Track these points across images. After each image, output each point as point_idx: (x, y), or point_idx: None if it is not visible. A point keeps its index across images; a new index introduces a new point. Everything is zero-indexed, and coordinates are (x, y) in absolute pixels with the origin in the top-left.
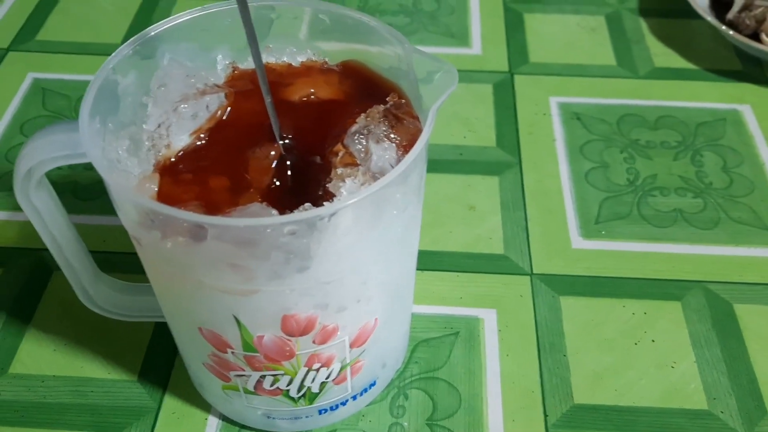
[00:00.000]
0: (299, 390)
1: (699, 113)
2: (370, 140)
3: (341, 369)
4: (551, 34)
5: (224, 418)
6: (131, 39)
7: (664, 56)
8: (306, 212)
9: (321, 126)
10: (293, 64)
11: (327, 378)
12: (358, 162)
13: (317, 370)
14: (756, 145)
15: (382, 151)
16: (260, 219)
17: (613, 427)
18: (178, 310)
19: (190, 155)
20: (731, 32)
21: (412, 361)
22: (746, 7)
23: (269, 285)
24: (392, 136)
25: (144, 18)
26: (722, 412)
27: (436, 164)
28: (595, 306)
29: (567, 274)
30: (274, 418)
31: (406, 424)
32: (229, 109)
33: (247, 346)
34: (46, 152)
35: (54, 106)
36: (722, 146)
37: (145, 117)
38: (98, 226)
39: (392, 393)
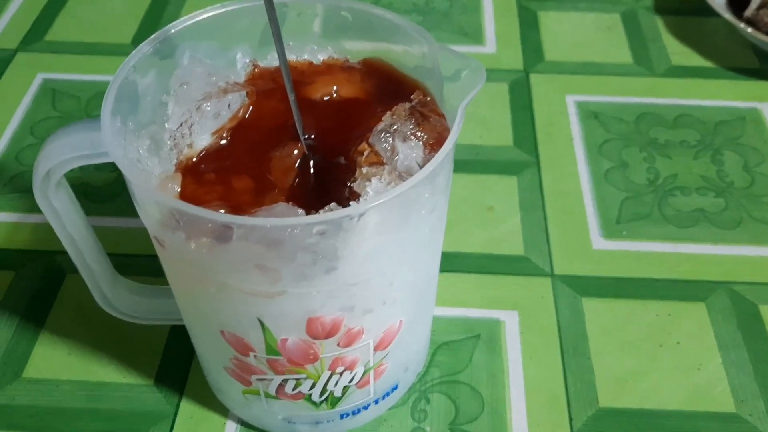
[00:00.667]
0: (321, 394)
1: (718, 112)
2: (396, 138)
3: (364, 372)
4: (566, 33)
5: (243, 423)
6: (151, 37)
7: (681, 54)
8: (335, 212)
9: (344, 125)
10: (314, 62)
11: (350, 382)
12: (384, 161)
13: (341, 373)
14: None
15: (409, 150)
16: (289, 219)
17: (640, 431)
18: (199, 313)
19: (212, 155)
20: (749, 30)
21: (433, 364)
22: (764, 5)
23: (296, 287)
24: (419, 134)
25: (153, 19)
26: (750, 415)
27: None
28: (618, 308)
29: (589, 276)
30: (294, 423)
31: (428, 428)
32: (251, 108)
33: (271, 350)
34: (66, 152)
35: (64, 107)
36: (742, 145)
37: (167, 116)
38: (112, 228)
39: (413, 397)
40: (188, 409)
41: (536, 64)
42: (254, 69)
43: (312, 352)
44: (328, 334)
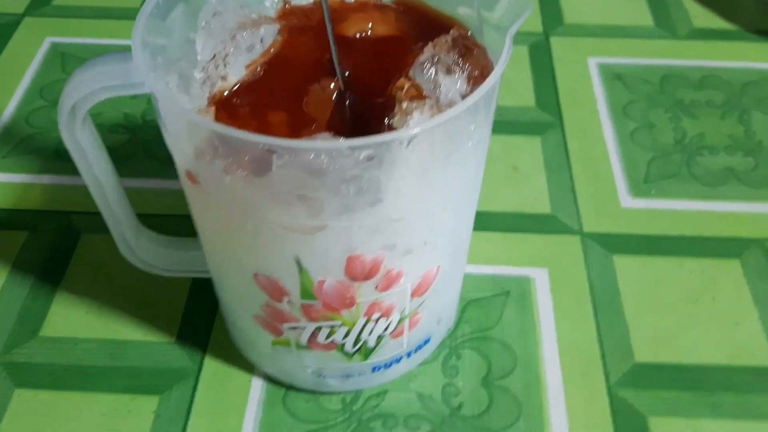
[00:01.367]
0: (355, 344)
1: (744, 73)
2: (439, 70)
3: (400, 321)
4: None
5: (269, 379)
6: None
7: (703, 17)
8: (384, 135)
9: (380, 62)
10: None
11: (385, 330)
12: (426, 95)
13: (376, 320)
14: None
15: (452, 83)
16: (336, 142)
17: (679, 385)
18: (232, 256)
19: (246, 89)
20: None
21: (463, 321)
22: None
23: (338, 220)
24: (463, 65)
25: None
26: None
27: None
28: (650, 265)
29: (619, 233)
30: (324, 377)
31: (460, 384)
32: (284, 43)
33: (306, 293)
34: (95, 83)
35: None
36: None
37: (195, 52)
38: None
39: (444, 353)
40: (212, 366)
41: (556, 27)
42: (284, 5)
43: (350, 295)
44: (368, 275)
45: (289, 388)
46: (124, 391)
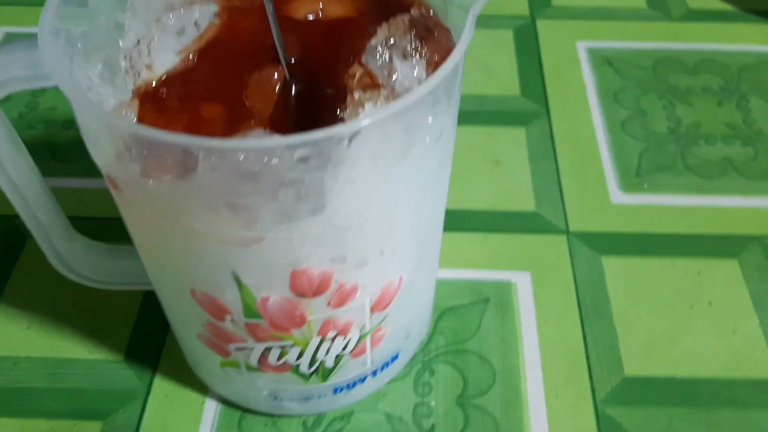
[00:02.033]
0: (311, 365)
1: (741, 56)
2: (394, 55)
3: (360, 339)
4: None
5: (224, 401)
6: None
7: None
8: (321, 131)
9: (332, 47)
10: None
11: (343, 350)
12: (380, 83)
13: (332, 339)
14: None
15: (409, 69)
16: (265, 141)
17: (672, 401)
18: (165, 270)
19: (176, 79)
20: None
21: (437, 331)
22: None
23: (276, 231)
24: (422, 49)
25: None
26: None
27: None
28: (641, 266)
29: (608, 232)
30: (281, 399)
31: (433, 403)
32: (222, 27)
33: (249, 311)
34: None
35: None
36: None
37: (123, 35)
38: (79, 190)
39: (416, 368)
40: (162, 387)
41: (543, 9)
42: None
43: (298, 313)
44: (317, 291)
45: (246, 410)
46: (65, 416)
